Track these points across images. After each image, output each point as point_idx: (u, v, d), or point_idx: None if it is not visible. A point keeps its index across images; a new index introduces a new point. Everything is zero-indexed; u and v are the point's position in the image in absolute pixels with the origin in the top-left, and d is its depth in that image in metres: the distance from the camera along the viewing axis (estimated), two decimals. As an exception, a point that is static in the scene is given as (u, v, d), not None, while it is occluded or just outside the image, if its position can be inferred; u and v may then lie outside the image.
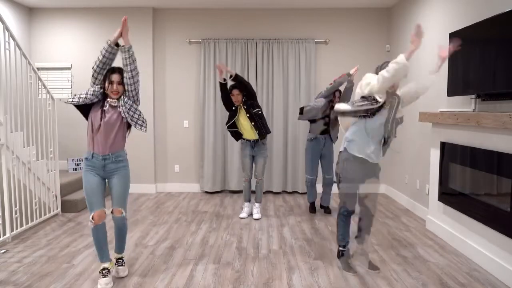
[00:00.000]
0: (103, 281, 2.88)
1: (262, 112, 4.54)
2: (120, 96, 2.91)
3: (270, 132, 4.61)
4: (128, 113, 2.88)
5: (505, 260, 3.02)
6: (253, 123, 4.46)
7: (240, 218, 4.74)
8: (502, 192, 3.06)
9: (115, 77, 2.89)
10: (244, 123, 4.54)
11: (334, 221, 4.63)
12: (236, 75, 4.36)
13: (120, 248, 3.13)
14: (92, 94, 2.87)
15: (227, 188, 6.21)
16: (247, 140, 4.64)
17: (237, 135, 4.67)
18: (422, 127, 4.79)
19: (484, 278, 3.09)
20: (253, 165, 4.75)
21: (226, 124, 4.63)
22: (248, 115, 4.46)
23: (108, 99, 2.91)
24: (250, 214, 4.84)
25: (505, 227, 2.99)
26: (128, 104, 2.89)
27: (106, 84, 2.89)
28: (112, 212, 2.99)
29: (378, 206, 5.29)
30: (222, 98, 4.53)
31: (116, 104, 2.90)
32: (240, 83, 4.38)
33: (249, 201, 4.86)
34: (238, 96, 4.45)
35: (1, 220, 3.78)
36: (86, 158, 2.92)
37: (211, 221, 4.62)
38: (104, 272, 2.93)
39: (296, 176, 6.10)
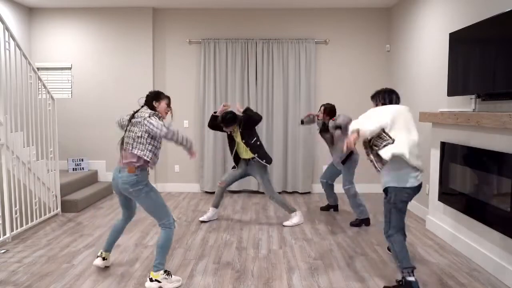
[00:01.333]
0: (176, 277, 2.99)
1: (260, 143, 4.38)
2: None
3: (269, 161, 4.38)
4: None
5: (505, 260, 3.02)
6: (243, 141, 4.30)
7: (199, 220, 4.57)
8: (502, 192, 3.06)
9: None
10: (239, 145, 4.42)
11: (333, 221, 4.63)
12: (246, 109, 4.34)
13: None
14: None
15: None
16: (243, 159, 4.49)
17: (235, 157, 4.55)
18: (422, 127, 4.79)
19: (484, 278, 3.09)
20: (241, 179, 4.76)
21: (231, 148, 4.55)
22: (243, 140, 4.32)
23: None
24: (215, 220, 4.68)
25: (505, 227, 2.99)
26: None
27: (166, 105, 3.14)
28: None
29: (378, 206, 5.28)
30: (209, 125, 4.47)
31: None
32: (248, 116, 4.31)
33: (215, 207, 4.61)
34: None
35: (1, 220, 3.78)
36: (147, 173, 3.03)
37: (211, 221, 4.62)
38: (167, 272, 2.96)
39: (296, 176, 6.10)
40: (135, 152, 2.88)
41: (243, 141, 4.31)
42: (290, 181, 6.11)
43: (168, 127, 2.88)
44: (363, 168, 5.74)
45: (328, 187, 4.89)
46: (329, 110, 4.52)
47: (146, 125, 2.87)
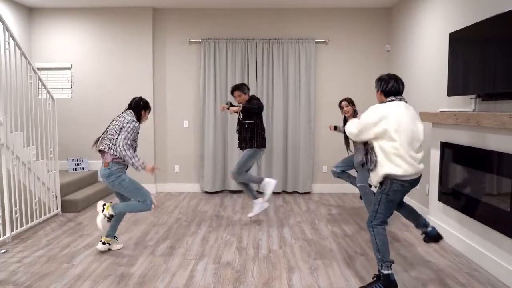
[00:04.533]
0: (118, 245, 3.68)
1: (253, 128, 4.33)
2: None
3: (252, 146, 4.31)
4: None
5: (505, 260, 3.02)
6: (238, 128, 4.43)
7: (248, 217, 4.61)
8: (502, 192, 3.06)
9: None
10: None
11: (334, 220, 4.64)
12: (243, 107, 4.24)
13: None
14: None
15: (227, 188, 6.20)
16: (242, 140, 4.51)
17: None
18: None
19: (484, 278, 3.09)
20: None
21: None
22: (241, 116, 4.42)
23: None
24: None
25: (505, 227, 2.99)
26: None
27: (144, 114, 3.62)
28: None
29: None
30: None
31: None
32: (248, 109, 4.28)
33: (255, 198, 4.53)
34: (239, 97, 4.39)
35: (1, 220, 3.78)
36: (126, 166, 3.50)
37: (211, 221, 4.62)
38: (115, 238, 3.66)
39: (296, 176, 6.10)
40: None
41: (241, 116, 4.42)
42: (290, 181, 6.11)
43: (128, 149, 3.31)
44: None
45: (342, 173, 4.73)
46: (348, 102, 4.46)
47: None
